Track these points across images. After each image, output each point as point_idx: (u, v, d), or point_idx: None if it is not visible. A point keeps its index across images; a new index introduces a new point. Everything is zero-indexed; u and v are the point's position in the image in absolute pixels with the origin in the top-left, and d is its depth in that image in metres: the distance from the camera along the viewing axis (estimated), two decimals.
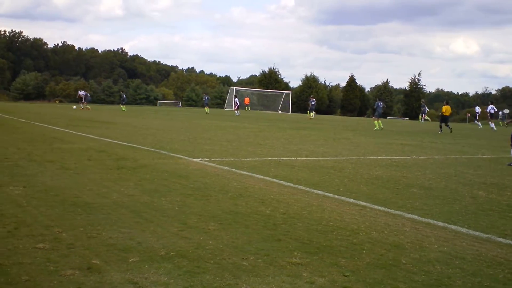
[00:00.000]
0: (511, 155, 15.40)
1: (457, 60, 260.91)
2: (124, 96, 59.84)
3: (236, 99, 57.42)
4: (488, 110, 43.11)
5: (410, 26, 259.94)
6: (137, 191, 8.49)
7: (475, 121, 44.84)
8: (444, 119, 32.98)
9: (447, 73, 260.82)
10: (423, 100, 61.82)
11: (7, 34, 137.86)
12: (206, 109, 57.33)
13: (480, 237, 6.55)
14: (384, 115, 55.62)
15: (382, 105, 33.92)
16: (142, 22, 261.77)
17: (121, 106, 56.85)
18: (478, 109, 47.58)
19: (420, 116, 55.34)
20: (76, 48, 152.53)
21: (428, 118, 55.48)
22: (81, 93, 52.97)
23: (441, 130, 31.91)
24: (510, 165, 14.40)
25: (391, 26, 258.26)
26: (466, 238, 6.48)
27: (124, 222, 6.47)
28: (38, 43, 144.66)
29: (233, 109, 54.70)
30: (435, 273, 5.04)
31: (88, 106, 51.68)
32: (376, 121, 32.78)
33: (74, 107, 53.38)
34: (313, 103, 48.39)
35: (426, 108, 55.80)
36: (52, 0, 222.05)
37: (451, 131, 31.95)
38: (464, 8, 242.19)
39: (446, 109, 33.04)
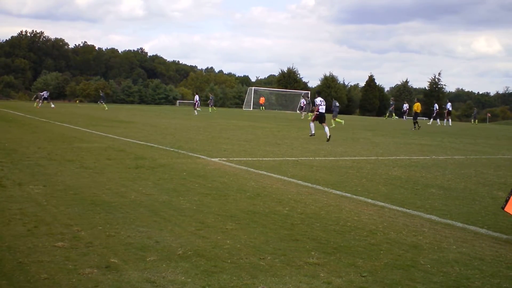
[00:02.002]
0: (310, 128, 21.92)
1: (478, 60, 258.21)
2: (102, 94, 57.38)
3: (197, 96, 52.10)
4: (447, 108, 47.53)
5: (432, 25, 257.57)
6: (156, 191, 8.54)
7: (433, 118, 47.60)
8: (415, 116, 35.47)
9: (468, 72, 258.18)
10: (392, 98, 63.15)
11: (29, 34, 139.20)
12: (210, 108, 57.10)
13: (499, 238, 6.49)
14: (403, 115, 56.13)
15: (338, 104, 35.41)
16: (162, 22, 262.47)
17: (103, 104, 54.70)
18: (436, 106, 49.63)
19: (387, 113, 58.06)
20: (96, 48, 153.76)
21: (395, 117, 58.08)
22: (44, 93, 53.63)
23: (415, 127, 33.97)
24: (312, 135, 21.35)
25: (412, 25, 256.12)
26: (485, 239, 6.43)
27: (142, 221, 6.51)
28: (59, 43, 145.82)
29: (195, 108, 49.25)
30: (454, 274, 5.01)
31: (53, 105, 51.22)
32: (334, 120, 33.20)
33: (36, 105, 53.11)
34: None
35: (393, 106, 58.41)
36: (75, 1, 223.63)
37: (418, 128, 33.71)
38: (487, 6, 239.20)
39: (417, 106, 35.58)
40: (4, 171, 9.90)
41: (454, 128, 40.88)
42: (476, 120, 60.04)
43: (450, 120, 46.72)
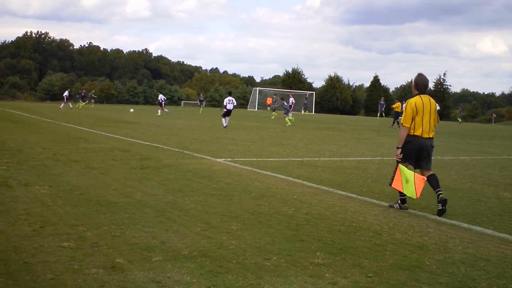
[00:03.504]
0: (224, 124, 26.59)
1: (484, 60, 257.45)
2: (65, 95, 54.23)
3: (161, 95, 47.78)
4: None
5: (437, 25, 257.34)
6: (161, 191, 8.55)
7: None
8: (396, 115, 37.21)
9: (473, 73, 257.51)
10: (383, 98, 64.21)
11: (34, 35, 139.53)
12: (200, 109, 56.47)
13: (505, 239, 6.47)
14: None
15: (286, 104, 36.65)
16: (167, 23, 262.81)
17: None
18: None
19: (378, 114, 58.94)
20: (101, 49, 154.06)
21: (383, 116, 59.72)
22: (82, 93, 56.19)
23: (393, 125, 36.14)
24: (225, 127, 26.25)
25: (417, 25, 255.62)
26: (491, 239, 6.41)
27: (147, 221, 6.52)
28: (64, 44, 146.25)
29: (162, 108, 44.64)
30: (460, 275, 4.99)
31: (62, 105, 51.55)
32: (286, 118, 34.25)
33: (79, 106, 53.51)
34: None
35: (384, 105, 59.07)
36: (80, 2, 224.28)
37: (399, 126, 34.85)
38: (492, 7, 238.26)
39: (397, 105, 37.54)
40: (10, 171, 9.93)
41: (459, 128, 40.79)
42: (460, 119, 61.43)
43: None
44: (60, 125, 24.66)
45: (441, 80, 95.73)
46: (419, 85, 7.97)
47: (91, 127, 23.26)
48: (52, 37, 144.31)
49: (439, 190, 7.76)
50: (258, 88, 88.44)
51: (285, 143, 18.92)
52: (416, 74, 8.09)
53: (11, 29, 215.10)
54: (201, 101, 59.57)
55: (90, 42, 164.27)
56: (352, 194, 9.03)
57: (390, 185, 8.00)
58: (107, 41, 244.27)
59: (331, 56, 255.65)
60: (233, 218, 6.86)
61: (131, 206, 7.30)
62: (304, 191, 9.17)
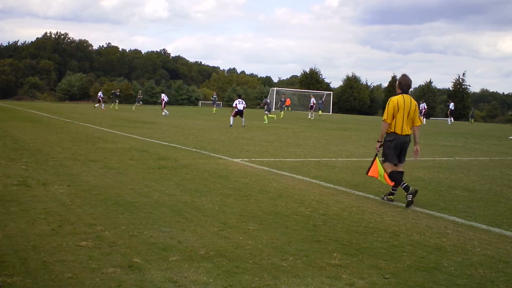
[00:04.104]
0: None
1: (504, 60, 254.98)
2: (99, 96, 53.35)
3: (163, 95, 45.14)
4: (450, 107, 52.33)
5: (457, 25, 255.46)
6: (178, 191, 8.58)
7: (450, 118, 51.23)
8: None
9: (493, 73, 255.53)
10: None
11: (53, 36, 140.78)
12: (213, 109, 55.55)
13: None
14: (427, 115, 56.45)
15: (269, 101, 39.14)
16: (186, 23, 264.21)
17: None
18: (425, 105, 52.17)
19: None
20: (120, 49, 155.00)
21: None
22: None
23: None
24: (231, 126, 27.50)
25: (437, 25, 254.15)
26: (510, 241, 6.35)
27: (165, 221, 6.55)
28: (83, 45, 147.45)
29: (162, 108, 42.14)
30: (478, 277, 4.95)
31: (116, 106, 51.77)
32: (266, 116, 36.59)
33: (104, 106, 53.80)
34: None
35: None
36: (100, 3, 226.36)
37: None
38: None
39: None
40: (29, 171, 10.03)
41: (478, 129, 40.45)
42: (473, 119, 61.59)
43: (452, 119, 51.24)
44: (79, 125, 24.85)
45: (460, 80, 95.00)
46: (402, 84, 8.65)
47: (109, 127, 23.41)
48: (71, 38, 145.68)
49: (396, 187, 8.57)
50: (275, 88, 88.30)
51: (303, 143, 18.90)
52: (401, 75, 8.79)
53: (31, 30, 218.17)
54: (214, 99, 58.83)
55: (109, 43, 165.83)
56: (369, 195, 8.99)
57: (367, 174, 8.89)
58: (125, 41, 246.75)
59: (349, 56, 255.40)
60: (250, 219, 6.87)
61: (148, 206, 7.34)
62: (322, 191, 9.15)
